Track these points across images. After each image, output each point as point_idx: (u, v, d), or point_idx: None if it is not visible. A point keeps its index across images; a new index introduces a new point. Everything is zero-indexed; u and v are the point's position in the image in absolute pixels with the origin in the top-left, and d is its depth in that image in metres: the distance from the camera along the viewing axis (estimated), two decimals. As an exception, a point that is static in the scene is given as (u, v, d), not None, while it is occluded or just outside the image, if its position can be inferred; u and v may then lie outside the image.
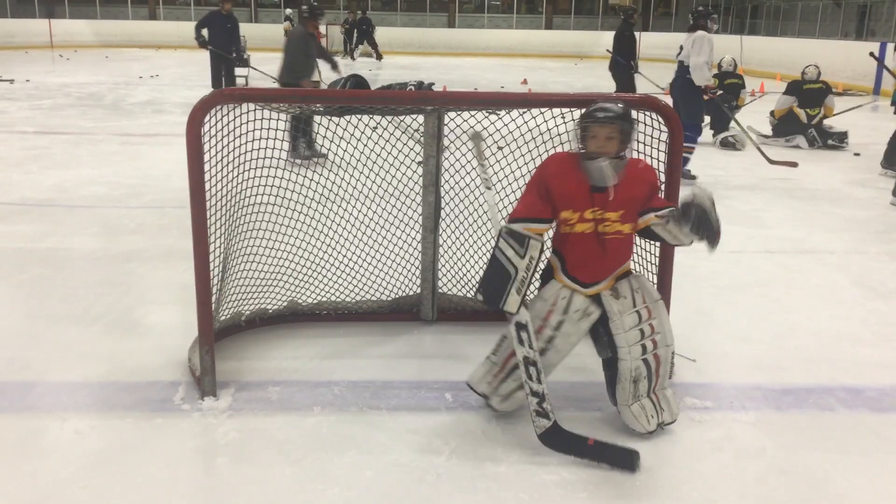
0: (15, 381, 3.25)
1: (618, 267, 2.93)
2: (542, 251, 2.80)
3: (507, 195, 3.70)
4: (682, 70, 7.33)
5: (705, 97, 7.36)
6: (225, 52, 11.50)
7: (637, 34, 11.24)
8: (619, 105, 2.84)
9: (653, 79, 12.30)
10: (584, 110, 2.87)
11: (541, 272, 3.02)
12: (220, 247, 3.33)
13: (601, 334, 2.92)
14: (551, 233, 2.98)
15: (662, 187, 3.14)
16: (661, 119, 3.10)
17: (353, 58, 23.30)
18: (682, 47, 7.46)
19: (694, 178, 7.32)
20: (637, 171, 2.88)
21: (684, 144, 7.17)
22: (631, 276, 2.97)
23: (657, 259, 3.29)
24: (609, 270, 2.91)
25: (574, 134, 2.89)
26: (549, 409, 2.75)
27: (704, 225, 2.73)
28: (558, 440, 2.73)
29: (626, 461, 2.67)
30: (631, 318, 2.86)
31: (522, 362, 2.78)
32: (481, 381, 2.98)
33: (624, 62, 11.35)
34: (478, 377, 2.99)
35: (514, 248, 2.77)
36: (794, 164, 7.71)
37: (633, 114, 2.89)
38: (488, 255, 3.88)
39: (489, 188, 3.08)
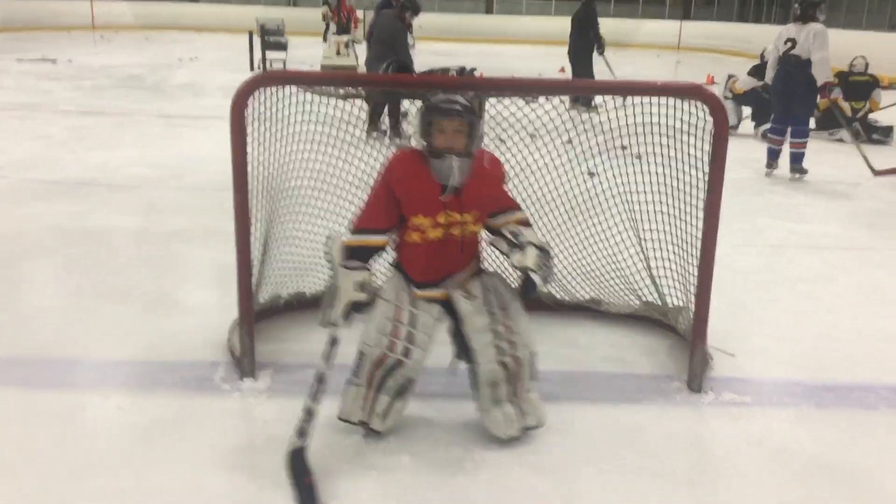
0: (59, 357, 3.31)
1: (465, 265, 2.80)
2: (367, 271, 2.65)
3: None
4: (801, 65, 6.97)
5: (820, 94, 7.11)
6: None
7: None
8: (465, 96, 2.65)
9: (696, 71, 12.07)
10: (427, 101, 2.66)
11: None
12: (260, 229, 3.35)
13: (458, 337, 2.79)
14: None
15: (705, 178, 3.10)
16: (706, 108, 3.05)
17: None
18: (792, 40, 7.04)
19: (806, 171, 7.21)
20: (486, 167, 2.73)
21: (799, 140, 7.16)
22: (484, 274, 2.85)
23: (698, 252, 3.25)
24: (455, 270, 2.78)
25: (416, 128, 2.66)
26: (310, 433, 2.52)
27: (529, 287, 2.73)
28: (295, 463, 2.48)
29: None
30: (481, 319, 2.70)
31: (315, 377, 2.59)
32: (353, 410, 2.72)
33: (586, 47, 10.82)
34: (348, 407, 2.72)
35: (343, 265, 2.63)
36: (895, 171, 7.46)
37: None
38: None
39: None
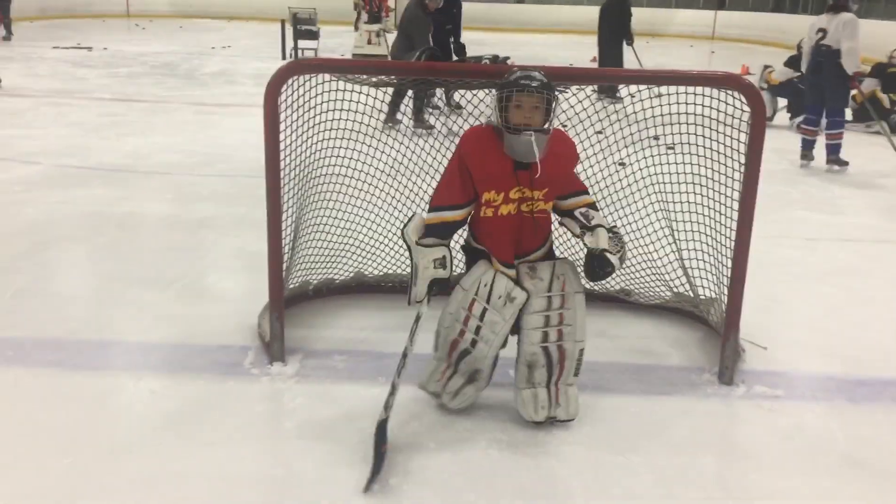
0: (93, 339, 3.36)
1: (539, 245, 2.80)
2: (444, 247, 2.67)
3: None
4: (831, 55, 6.87)
5: (852, 85, 7.00)
6: None
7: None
8: (542, 73, 2.63)
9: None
10: (504, 78, 2.64)
11: (464, 256, 2.89)
12: (291, 216, 3.37)
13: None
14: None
15: (742, 168, 3.05)
16: (743, 98, 3.00)
17: None
18: (823, 30, 6.94)
19: (846, 163, 7.11)
20: (561, 145, 2.72)
21: (834, 131, 7.06)
22: (558, 260, 2.83)
23: (731, 243, 3.21)
24: (530, 249, 2.79)
25: (493, 105, 2.65)
26: (392, 405, 2.61)
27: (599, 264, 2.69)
28: (379, 433, 2.56)
29: (373, 478, 2.46)
30: (539, 301, 2.71)
31: (402, 354, 2.67)
32: (430, 381, 2.85)
33: (616, 38, 10.53)
34: (426, 377, 2.86)
35: (419, 243, 2.67)
36: None
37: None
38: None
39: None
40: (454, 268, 2.70)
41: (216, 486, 2.42)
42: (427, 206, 2.84)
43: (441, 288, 2.70)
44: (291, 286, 3.58)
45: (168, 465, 2.51)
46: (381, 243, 3.90)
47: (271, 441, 2.71)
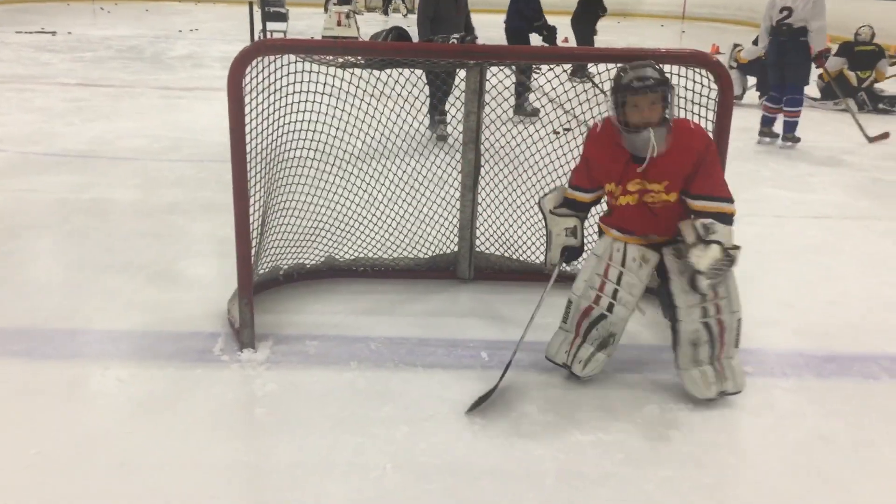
0: (60, 328, 3.31)
1: (674, 229, 2.81)
2: (575, 217, 2.92)
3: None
4: (795, 33, 6.90)
5: (817, 63, 7.04)
6: None
7: None
8: (654, 68, 2.67)
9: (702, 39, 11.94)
10: (618, 79, 2.69)
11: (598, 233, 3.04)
12: (259, 200, 3.33)
13: (664, 295, 2.86)
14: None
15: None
16: (711, 76, 3.00)
17: (386, 14, 23.23)
18: (787, 9, 6.94)
19: (798, 139, 7.23)
20: (683, 138, 2.72)
21: (793, 109, 7.11)
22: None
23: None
24: (663, 232, 2.84)
25: (611, 104, 2.72)
26: (510, 363, 2.84)
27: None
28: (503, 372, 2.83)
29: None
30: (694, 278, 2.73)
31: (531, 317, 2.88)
32: (559, 352, 2.93)
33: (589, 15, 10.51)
34: (555, 348, 2.95)
35: (553, 211, 2.92)
36: (887, 136, 7.59)
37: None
38: (526, 215, 3.87)
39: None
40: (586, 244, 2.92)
41: (187, 475, 2.40)
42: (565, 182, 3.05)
43: (572, 256, 2.95)
44: (261, 271, 3.55)
45: (137, 454, 2.47)
46: (352, 227, 3.87)
47: (242, 428, 2.69)
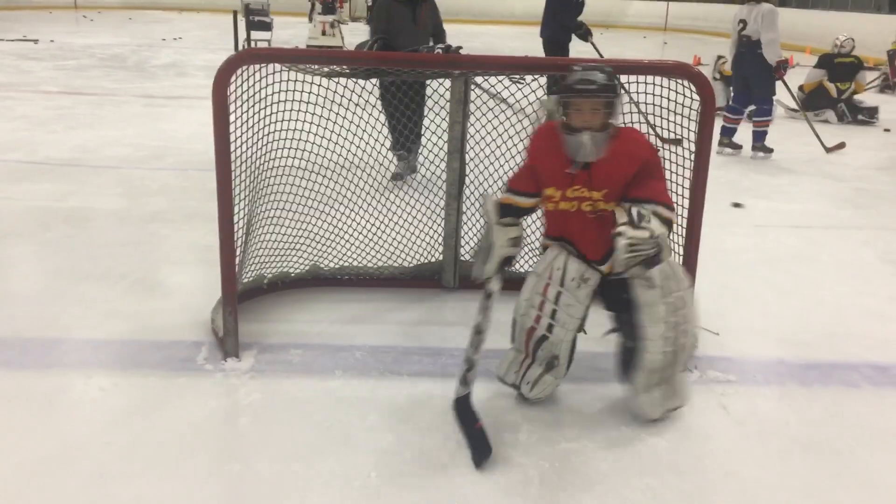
0: (40, 337, 3.28)
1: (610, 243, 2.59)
2: (519, 227, 2.79)
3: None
4: (752, 45, 6.98)
5: (776, 74, 7.06)
6: None
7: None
8: (604, 73, 2.56)
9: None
10: (564, 79, 2.60)
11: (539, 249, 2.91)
12: (243, 209, 3.32)
13: (623, 321, 2.74)
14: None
15: (692, 157, 3.08)
16: (693, 87, 3.03)
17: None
18: (743, 21, 7.06)
19: (771, 151, 7.29)
20: (627, 146, 2.63)
21: (762, 119, 7.18)
22: (663, 264, 2.64)
23: (684, 231, 3.24)
24: (605, 250, 2.66)
25: (555, 105, 2.65)
26: (472, 380, 2.68)
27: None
28: (461, 410, 2.66)
29: (479, 453, 2.53)
30: (660, 309, 2.64)
31: (473, 330, 2.72)
32: (508, 372, 2.86)
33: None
34: (505, 368, 2.88)
35: (499, 221, 2.77)
36: (843, 146, 7.69)
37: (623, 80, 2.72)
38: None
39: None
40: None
41: (170, 484, 2.38)
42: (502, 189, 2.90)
43: (508, 264, 2.81)
44: (245, 280, 3.54)
45: (120, 464, 2.46)
46: (336, 236, 3.87)
47: (226, 437, 2.67)
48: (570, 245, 2.75)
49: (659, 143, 3.08)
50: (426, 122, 3.75)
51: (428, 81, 4.33)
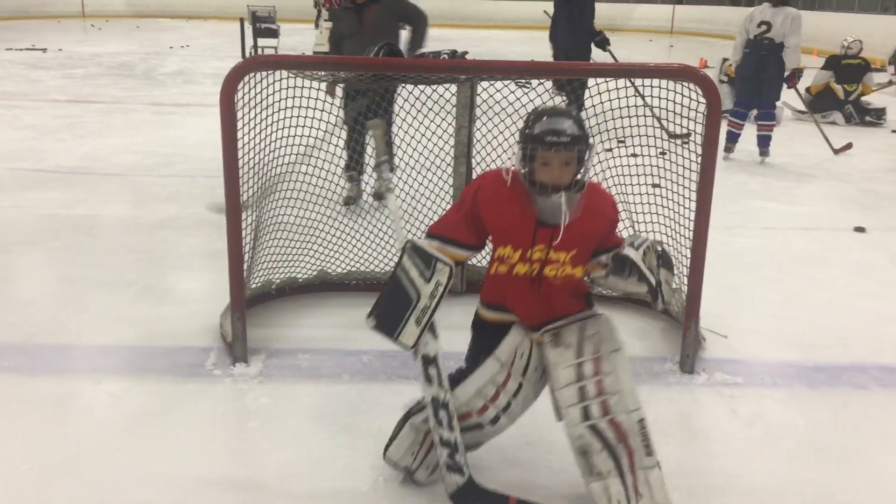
0: (51, 343, 3.30)
1: (567, 311, 2.33)
2: (450, 278, 2.25)
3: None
4: (775, 48, 6.89)
5: (790, 82, 7.04)
6: None
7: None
8: (574, 120, 2.15)
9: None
10: (528, 127, 2.18)
11: (471, 322, 2.47)
12: (251, 215, 3.34)
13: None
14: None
15: (695, 167, 3.08)
16: (699, 90, 3.04)
17: None
18: (767, 24, 6.93)
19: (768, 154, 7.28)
20: (596, 202, 2.26)
21: (769, 122, 7.15)
22: (588, 318, 2.32)
23: (690, 234, 3.24)
24: (552, 317, 2.31)
25: (517, 155, 2.20)
26: (464, 463, 2.26)
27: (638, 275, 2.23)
28: (475, 499, 2.27)
29: None
30: (567, 372, 2.25)
31: (431, 404, 2.26)
32: (405, 454, 2.39)
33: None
34: (401, 450, 2.39)
35: (418, 269, 2.26)
36: (850, 146, 7.69)
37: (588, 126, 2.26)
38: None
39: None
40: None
41: (179, 489, 2.39)
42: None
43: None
44: (253, 286, 3.56)
45: (129, 469, 2.47)
46: (343, 241, 3.88)
47: (235, 442, 2.68)
48: (511, 314, 2.35)
49: (667, 138, 3.05)
50: (428, 123, 3.75)
51: (398, 91, 4.25)
